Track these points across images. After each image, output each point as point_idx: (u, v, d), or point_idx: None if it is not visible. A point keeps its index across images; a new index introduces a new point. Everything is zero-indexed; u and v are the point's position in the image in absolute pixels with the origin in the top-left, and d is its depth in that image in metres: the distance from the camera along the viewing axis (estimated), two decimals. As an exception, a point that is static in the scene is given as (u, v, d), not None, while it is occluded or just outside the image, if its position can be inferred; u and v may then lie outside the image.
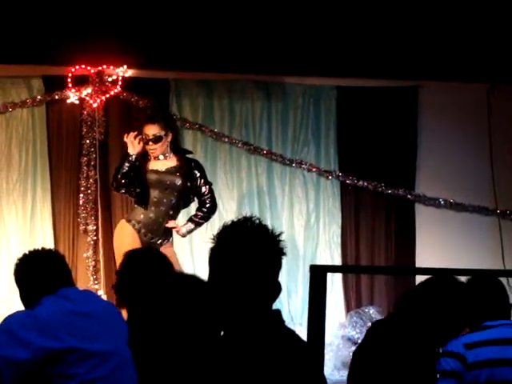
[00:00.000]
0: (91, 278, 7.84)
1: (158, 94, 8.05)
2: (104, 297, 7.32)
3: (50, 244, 7.62)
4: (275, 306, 2.50)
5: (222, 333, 2.47)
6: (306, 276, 7.73)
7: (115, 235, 6.67)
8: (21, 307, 3.65)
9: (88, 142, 7.94)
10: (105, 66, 7.86)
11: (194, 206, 6.82)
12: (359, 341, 4.18)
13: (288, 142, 8.34)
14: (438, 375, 3.86)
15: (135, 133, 6.51)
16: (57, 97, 7.92)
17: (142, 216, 6.48)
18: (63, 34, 7.53)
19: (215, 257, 2.48)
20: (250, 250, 2.43)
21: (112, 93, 7.92)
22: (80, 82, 7.87)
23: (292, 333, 2.51)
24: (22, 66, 7.82)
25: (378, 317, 7.41)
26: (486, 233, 8.39)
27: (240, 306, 2.43)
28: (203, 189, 6.57)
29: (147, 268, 4.10)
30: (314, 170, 8.30)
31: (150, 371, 3.60)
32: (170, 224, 6.53)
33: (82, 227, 7.94)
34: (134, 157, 6.46)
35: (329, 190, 8.35)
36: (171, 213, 6.53)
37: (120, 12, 7.57)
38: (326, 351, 4.57)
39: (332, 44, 7.93)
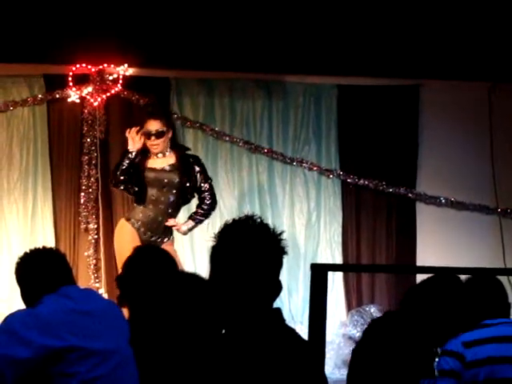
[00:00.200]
0: (92, 277, 7.84)
1: (159, 93, 8.05)
2: (105, 295, 7.33)
3: (51, 243, 7.62)
4: (276, 304, 2.50)
5: (223, 331, 2.47)
6: (306, 275, 7.73)
7: (115, 234, 6.68)
8: (22, 306, 3.66)
9: (89, 140, 7.94)
10: (105, 65, 7.87)
11: (194, 202, 6.81)
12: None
13: (289, 140, 8.34)
14: (436, 373, 3.86)
15: (137, 128, 6.52)
16: (58, 95, 7.93)
17: (141, 215, 6.48)
18: (64, 33, 7.53)
19: (216, 255, 2.48)
20: (252, 249, 2.43)
21: (113, 91, 7.92)
22: (81, 80, 7.88)
23: (292, 331, 2.52)
24: (23, 64, 7.82)
25: (379, 315, 7.41)
26: (486, 231, 8.39)
27: (241, 305, 2.43)
28: (203, 185, 6.56)
29: (152, 265, 4.11)
30: (314, 168, 8.30)
31: (151, 369, 3.60)
32: (170, 222, 6.53)
33: (82, 226, 7.94)
34: (133, 153, 6.48)
35: (330, 189, 8.35)
36: (170, 211, 6.53)
37: (121, 11, 7.57)
38: (326, 350, 4.57)
39: (333, 42, 7.93)
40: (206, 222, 7.68)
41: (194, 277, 4.01)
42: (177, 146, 6.63)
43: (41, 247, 3.74)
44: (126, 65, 7.88)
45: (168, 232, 6.58)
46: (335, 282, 8.18)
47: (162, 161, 6.52)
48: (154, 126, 6.45)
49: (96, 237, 7.92)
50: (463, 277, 4.08)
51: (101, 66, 7.86)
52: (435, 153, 8.39)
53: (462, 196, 8.35)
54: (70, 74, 7.82)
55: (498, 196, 8.38)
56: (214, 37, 7.80)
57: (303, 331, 4.30)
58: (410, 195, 8.37)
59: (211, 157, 8.16)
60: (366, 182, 8.29)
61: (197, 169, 6.55)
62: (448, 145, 8.39)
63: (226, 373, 2.36)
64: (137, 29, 7.65)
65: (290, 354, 2.42)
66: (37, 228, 7.97)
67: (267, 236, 2.46)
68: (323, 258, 8.21)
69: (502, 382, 3.71)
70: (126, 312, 4.39)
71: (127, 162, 6.47)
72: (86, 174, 7.92)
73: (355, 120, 8.37)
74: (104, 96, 7.92)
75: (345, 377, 4.12)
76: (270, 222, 2.54)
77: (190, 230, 6.71)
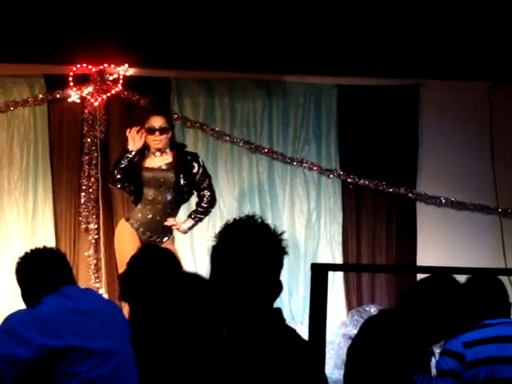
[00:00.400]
0: (92, 277, 7.85)
1: (159, 93, 8.05)
2: (105, 295, 7.33)
3: (51, 243, 7.62)
4: (276, 304, 2.50)
5: (224, 331, 2.48)
6: (307, 275, 7.72)
7: (115, 234, 6.68)
8: (22, 306, 3.66)
9: (89, 140, 7.94)
10: (106, 65, 7.87)
11: (194, 199, 6.79)
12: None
13: (289, 140, 8.34)
14: (433, 372, 3.87)
15: (137, 128, 6.53)
16: (58, 96, 7.93)
17: (139, 215, 6.48)
18: (64, 33, 7.53)
19: (217, 255, 2.48)
20: (252, 249, 2.43)
21: (113, 91, 7.93)
22: (81, 80, 7.88)
23: (293, 331, 2.52)
24: (23, 65, 7.82)
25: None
26: (487, 231, 8.39)
27: (241, 304, 2.43)
28: (202, 183, 6.55)
29: (155, 265, 4.12)
30: (315, 168, 8.30)
31: (152, 368, 3.61)
32: (169, 222, 6.52)
33: (83, 226, 7.94)
34: (133, 153, 6.49)
35: (330, 189, 8.35)
36: (168, 210, 6.52)
37: (121, 11, 7.57)
38: (327, 350, 4.58)
39: (333, 42, 7.93)
40: (207, 221, 7.70)
41: (195, 276, 4.01)
42: (175, 146, 6.62)
43: (41, 247, 3.75)
44: (126, 65, 7.89)
45: (167, 231, 6.58)
46: (335, 282, 8.18)
47: (159, 159, 6.51)
48: (157, 122, 6.46)
49: (96, 237, 7.93)
50: (463, 277, 4.08)
51: (101, 66, 7.86)
52: (435, 153, 8.39)
53: (463, 196, 8.35)
54: (71, 74, 7.82)
55: (498, 196, 8.38)
56: (214, 37, 7.80)
57: (303, 331, 4.31)
58: (410, 195, 8.37)
59: (211, 157, 8.16)
60: (366, 182, 8.29)
61: (195, 166, 6.53)
62: (448, 145, 8.39)
63: (227, 372, 2.36)
64: (137, 29, 7.65)
65: (291, 354, 2.42)
66: (37, 228, 7.97)
67: (268, 236, 2.46)
68: (323, 258, 8.21)
69: (501, 382, 3.71)
70: (126, 310, 4.41)
71: (126, 160, 6.48)
72: (86, 174, 7.93)
73: (355, 120, 8.37)
74: (104, 96, 7.92)
75: (345, 377, 4.12)
76: (270, 221, 2.54)
77: (190, 228, 6.70)
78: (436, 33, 7.89)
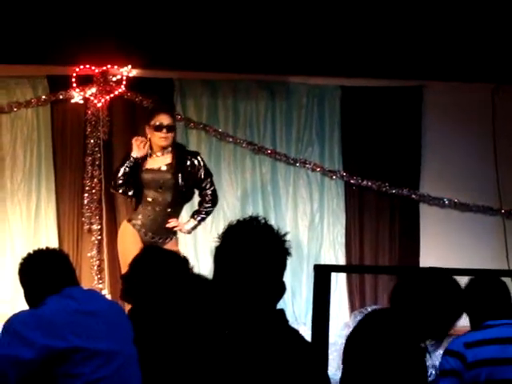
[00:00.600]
0: (95, 278, 7.85)
1: (163, 94, 8.05)
2: (108, 296, 7.33)
3: (54, 244, 7.62)
4: (279, 305, 2.50)
5: (227, 331, 2.47)
6: (310, 276, 7.72)
7: (118, 236, 6.68)
8: (25, 307, 3.66)
9: (92, 141, 7.95)
10: (109, 66, 7.87)
11: (197, 198, 6.77)
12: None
13: (292, 141, 8.33)
14: (428, 369, 3.87)
15: (144, 139, 6.51)
16: (61, 97, 7.93)
17: (140, 216, 6.47)
18: (67, 34, 7.53)
19: (220, 256, 2.48)
20: (256, 250, 2.43)
21: (116, 92, 7.92)
22: (84, 81, 7.88)
23: (296, 333, 2.51)
24: (26, 66, 7.83)
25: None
26: (490, 233, 8.38)
27: (244, 305, 2.43)
28: (203, 181, 6.53)
29: (158, 266, 4.12)
30: (318, 169, 8.29)
31: (155, 369, 3.61)
32: (171, 224, 6.49)
33: (86, 227, 7.94)
34: (135, 159, 6.46)
35: (333, 190, 8.35)
36: (169, 211, 6.49)
37: (124, 12, 7.57)
38: (330, 351, 4.57)
39: (336, 44, 7.93)
40: (210, 222, 7.71)
41: (198, 277, 4.02)
42: (175, 146, 6.60)
43: (44, 248, 3.75)
44: (129, 66, 7.89)
45: (170, 232, 6.56)
46: (338, 283, 8.18)
47: (160, 160, 6.48)
48: (165, 119, 6.44)
49: (99, 238, 7.93)
50: (467, 278, 4.07)
51: (104, 67, 7.87)
52: (438, 154, 8.38)
53: (466, 197, 8.35)
54: (74, 75, 7.82)
55: (501, 197, 8.37)
56: (218, 38, 7.80)
57: (306, 332, 4.30)
58: (413, 196, 8.36)
59: (214, 158, 8.16)
60: (370, 184, 8.29)
61: (196, 165, 6.49)
62: (451, 146, 8.39)
63: (230, 373, 2.36)
64: (140, 30, 7.65)
65: (294, 356, 2.42)
66: (40, 229, 7.97)
67: (271, 237, 2.46)
68: (326, 259, 8.20)
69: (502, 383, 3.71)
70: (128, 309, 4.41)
71: (128, 166, 6.47)
72: (89, 175, 7.93)
73: (358, 121, 8.36)
74: (107, 97, 7.92)
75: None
76: (273, 223, 2.54)
77: (194, 228, 6.68)
78: (439, 34, 7.89)
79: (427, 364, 3.90)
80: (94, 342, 3.40)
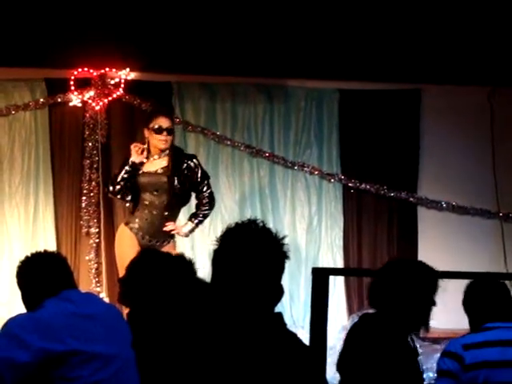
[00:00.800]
0: (93, 281, 7.84)
1: (161, 97, 8.05)
2: (106, 299, 7.32)
3: (52, 247, 7.60)
4: (277, 309, 2.50)
5: (225, 335, 2.47)
6: (308, 279, 7.71)
7: (115, 239, 6.65)
8: (23, 309, 3.66)
9: (90, 144, 7.95)
10: (107, 69, 7.87)
11: (194, 200, 6.76)
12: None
13: (290, 144, 8.34)
14: (424, 372, 3.89)
15: (142, 146, 6.51)
16: (59, 100, 7.93)
17: (137, 219, 6.45)
18: (66, 37, 7.53)
19: (218, 259, 2.48)
20: (254, 253, 2.43)
21: (114, 95, 7.93)
22: (82, 84, 7.88)
23: (294, 336, 2.51)
24: (24, 68, 7.82)
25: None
26: (488, 236, 8.39)
27: (242, 309, 2.43)
28: (200, 184, 6.52)
29: (155, 269, 4.12)
30: (316, 172, 8.30)
31: (153, 372, 3.60)
32: (169, 227, 6.47)
33: (84, 230, 7.94)
34: (133, 165, 6.44)
35: (331, 193, 8.35)
36: (166, 214, 6.47)
37: (122, 15, 7.58)
38: (328, 354, 4.57)
39: (334, 47, 7.94)
40: (208, 225, 7.71)
41: (196, 280, 4.01)
42: (173, 149, 6.58)
43: (42, 251, 3.74)
44: (127, 69, 7.89)
45: (167, 235, 6.54)
46: (336, 287, 8.17)
47: (157, 163, 6.47)
48: (165, 122, 6.43)
49: (97, 241, 7.92)
50: (465, 281, 4.08)
51: (102, 70, 7.87)
52: (436, 157, 8.39)
53: (464, 200, 8.35)
54: (72, 78, 7.83)
55: (499, 200, 8.38)
56: (216, 41, 7.81)
57: (305, 336, 4.31)
58: (411, 199, 8.37)
59: (212, 161, 8.16)
60: (368, 186, 8.30)
61: (192, 167, 6.48)
62: (449, 149, 8.39)
63: (228, 377, 2.36)
64: (139, 33, 7.66)
65: (292, 359, 2.42)
66: (38, 232, 7.96)
67: (269, 240, 2.46)
68: (324, 263, 8.20)
69: None
70: (126, 314, 4.41)
71: (127, 171, 6.46)
72: (87, 178, 7.93)
73: (356, 124, 8.37)
74: (106, 100, 7.93)
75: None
76: (271, 226, 2.54)
77: (191, 231, 6.66)
78: (437, 38, 7.90)
79: (422, 367, 3.92)
80: (91, 345, 3.40)
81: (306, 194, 8.33)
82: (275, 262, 2.46)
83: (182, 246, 7.59)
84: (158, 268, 4.13)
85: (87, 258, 7.90)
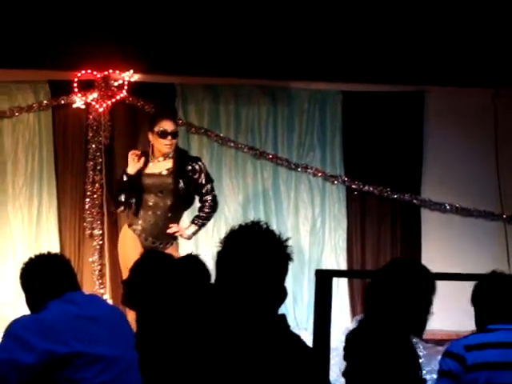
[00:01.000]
0: (97, 283, 7.85)
1: (164, 99, 8.05)
2: (109, 301, 7.32)
3: (55, 248, 7.62)
4: (280, 310, 2.50)
5: (229, 336, 2.47)
6: (311, 281, 7.71)
7: (119, 241, 6.64)
8: (27, 310, 3.66)
9: (94, 146, 7.95)
10: (111, 71, 7.88)
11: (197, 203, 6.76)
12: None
13: (294, 146, 8.34)
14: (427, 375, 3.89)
15: (139, 152, 6.50)
16: (63, 101, 7.95)
17: (141, 221, 6.43)
18: (69, 39, 7.53)
19: (222, 261, 2.48)
20: (258, 255, 2.43)
21: (118, 97, 7.94)
22: (86, 86, 7.89)
23: (297, 338, 2.51)
24: (28, 70, 7.83)
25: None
26: (491, 238, 8.38)
27: (246, 311, 2.43)
28: (204, 187, 6.50)
29: (158, 270, 4.12)
30: (319, 174, 8.30)
31: (156, 374, 3.60)
32: (172, 229, 6.46)
33: (87, 232, 7.95)
34: (130, 176, 6.43)
35: (334, 195, 8.35)
36: (170, 215, 6.46)
37: (126, 17, 7.58)
38: (331, 356, 4.56)
39: (338, 49, 7.94)
40: (211, 227, 7.70)
41: (200, 282, 4.01)
42: (177, 152, 6.58)
43: (46, 253, 3.75)
44: (131, 71, 7.90)
45: (171, 237, 6.53)
46: (340, 288, 8.17)
47: (161, 165, 6.45)
48: (170, 126, 6.40)
49: (101, 242, 7.93)
50: (469, 283, 4.07)
51: (106, 72, 7.87)
52: (440, 159, 8.38)
53: (467, 202, 8.34)
54: (75, 79, 7.84)
55: (502, 202, 8.37)
56: (220, 43, 7.81)
57: (308, 338, 4.31)
58: (414, 201, 8.36)
59: (216, 163, 8.16)
60: (371, 188, 8.29)
61: (197, 170, 6.47)
62: (453, 151, 8.39)
63: (231, 378, 2.36)
64: (142, 35, 7.66)
65: (295, 361, 2.42)
66: (42, 234, 7.97)
67: (273, 242, 2.46)
68: (328, 264, 8.20)
69: None
70: (130, 316, 4.41)
71: (126, 183, 6.43)
72: (90, 179, 7.93)
73: (360, 126, 8.37)
74: (109, 102, 7.93)
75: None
76: (274, 228, 2.54)
77: (194, 234, 6.65)
78: (440, 39, 7.89)
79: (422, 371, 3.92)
80: (95, 347, 3.40)
81: (309, 195, 8.33)
82: (279, 263, 2.46)
83: (185, 247, 7.59)
84: (160, 270, 4.14)
85: (91, 259, 7.91)
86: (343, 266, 8.27)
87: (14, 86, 8.01)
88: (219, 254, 2.49)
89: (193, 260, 4.37)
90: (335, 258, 8.31)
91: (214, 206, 6.58)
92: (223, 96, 8.27)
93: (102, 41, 7.51)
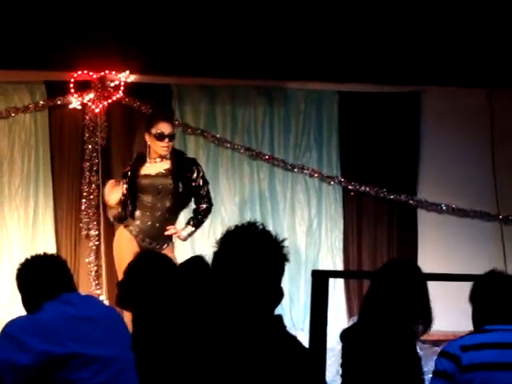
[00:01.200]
0: (93, 283, 7.84)
1: (161, 100, 8.05)
2: (106, 302, 7.32)
3: (52, 249, 7.60)
4: (277, 311, 2.50)
5: (225, 337, 2.47)
6: (308, 281, 7.71)
7: (114, 241, 6.60)
8: (23, 311, 3.66)
9: (90, 147, 7.95)
10: (107, 72, 7.88)
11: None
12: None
13: (290, 147, 8.34)
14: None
15: (117, 182, 6.53)
16: (59, 102, 7.94)
17: (138, 222, 6.42)
18: (65, 40, 7.53)
19: (218, 261, 2.48)
20: (254, 255, 2.43)
21: (114, 98, 7.93)
22: (82, 87, 7.89)
23: (294, 339, 2.51)
24: (24, 71, 7.83)
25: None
26: (487, 238, 8.38)
27: (242, 311, 2.43)
28: (200, 189, 6.50)
29: (153, 271, 4.12)
30: (316, 175, 8.30)
31: (153, 374, 3.60)
32: (170, 231, 6.45)
33: (84, 232, 7.94)
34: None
35: (331, 196, 8.35)
36: (167, 216, 6.45)
37: (122, 17, 7.57)
38: (327, 356, 4.56)
39: (334, 49, 7.94)
40: (208, 228, 7.71)
41: (196, 282, 4.01)
42: (174, 153, 6.58)
43: (42, 253, 3.74)
44: (127, 71, 7.89)
45: (167, 238, 6.52)
46: (336, 289, 8.18)
47: (158, 166, 6.44)
48: (167, 128, 6.40)
49: (97, 243, 7.92)
50: (466, 284, 4.07)
51: (102, 73, 7.87)
52: (436, 159, 8.39)
53: (463, 203, 8.35)
54: (72, 80, 7.83)
55: (499, 203, 8.38)
56: (216, 44, 7.81)
57: (304, 338, 4.31)
58: (411, 202, 8.37)
59: (212, 163, 8.16)
60: (368, 189, 8.30)
61: (194, 172, 6.47)
62: (449, 151, 8.39)
63: (228, 379, 2.36)
64: (138, 35, 7.65)
65: (291, 362, 2.42)
66: (38, 234, 7.97)
67: (269, 243, 2.46)
68: (324, 265, 8.20)
69: None
70: (125, 316, 4.41)
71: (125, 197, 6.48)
72: (87, 180, 7.93)
73: (356, 126, 8.37)
74: (105, 102, 7.93)
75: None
76: (271, 228, 2.54)
77: (190, 235, 6.65)
78: (436, 40, 7.90)
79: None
80: (91, 348, 3.39)
81: (305, 196, 8.33)
82: (275, 264, 2.46)
83: (182, 248, 7.59)
84: (156, 270, 4.13)
85: (87, 260, 7.90)
86: (339, 267, 8.28)
87: (10, 87, 8.00)
88: (215, 254, 2.48)
89: (197, 261, 4.37)
90: (332, 258, 8.31)
91: (210, 208, 6.59)
92: (219, 97, 8.27)
93: (98, 41, 7.50)
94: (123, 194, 6.45)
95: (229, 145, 8.20)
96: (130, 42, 7.63)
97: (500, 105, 8.37)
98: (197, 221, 6.56)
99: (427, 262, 8.09)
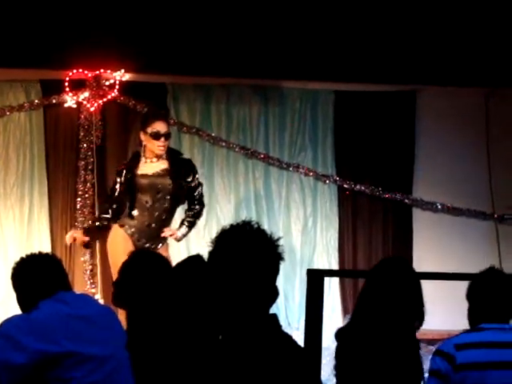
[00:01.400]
0: (88, 282, 7.83)
1: (156, 99, 8.04)
2: (101, 301, 7.31)
3: (47, 248, 7.60)
4: (272, 310, 2.50)
5: (220, 337, 2.47)
6: (303, 280, 7.70)
7: (108, 240, 6.56)
8: (18, 310, 3.65)
9: (85, 145, 7.94)
10: (102, 70, 7.86)
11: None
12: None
13: (285, 146, 8.34)
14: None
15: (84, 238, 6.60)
16: (54, 101, 7.93)
17: (135, 221, 6.40)
18: (61, 38, 7.51)
19: (213, 260, 2.47)
20: (249, 254, 2.43)
21: (109, 97, 7.92)
22: (77, 85, 7.87)
23: (289, 338, 2.51)
24: (19, 69, 7.82)
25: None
26: (483, 237, 8.39)
27: (237, 310, 2.43)
28: (195, 190, 6.51)
29: (147, 270, 4.12)
30: (311, 174, 8.30)
31: (148, 373, 3.60)
32: (167, 233, 6.44)
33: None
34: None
35: (326, 195, 8.35)
36: (164, 217, 6.45)
37: (118, 16, 7.56)
38: (323, 355, 4.57)
39: (330, 48, 7.93)
40: (202, 227, 7.71)
41: (191, 281, 4.01)
42: (170, 151, 6.57)
43: (37, 252, 3.74)
44: (122, 70, 7.88)
45: (162, 238, 6.52)
46: (331, 288, 8.18)
47: (155, 165, 6.43)
48: (163, 127, 6.39)
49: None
50: (461, 283, 4.08)
51: (97, 72, 7.86)
52: (432, 158, 8.40)
53: (459, 202, 8.36)
54: (67, 79, 7.82)
55: (494, 202, 8.39)
56: (211, 42, 7.80)
57: (299, 337, 4.31)
58: (406, 201, 8.37)
59: (207, 162, 8.15)
60: (363, 188, 8.30)
61: (190, 172, 6.48)
62: (444, 150, 8.40)
63: (223, 379, 2.36)
64: (134, 34, 7.64)
65: (286, 361, 2.42)
66: (33, 233, 7.95)
67: (264, 242, 2.46)
68: (319, 264, 8.20)
69: None
70: (120, 315, 4.41)
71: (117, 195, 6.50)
72: (82, 179, 7.92)
73: (352, 126, 8.38)
74: (100, 101, 7.92)
75: None
76: (266, 227, 2.54)
77: (185, 235, 6.65)
78: (433, 39, 7.90)
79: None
80: (86, 347, 3.39)
81: (301, 195, 8.33)
82: (270, 263, 2.46)
83: (177, 247, 7.59)
84: (150, 269, 4.13)
85: (82, 259, 7.89)
86: (335, 266, 8.28)
87: (5, 85, 7.99)
88: (210, 253, 2.48)
89: (194, 261, 4.37)
90: (327, 257, 8.31)
91: (202, 208, 6.62)
92: (215, 95, 8.26)
93: (93, 40, 7.49)
94: (117, 192, 6.44)
95: (224, 143, 8.20)
96: (125, 41, 7.61)
97: (495, 104, 8.38)
98: (191, 222, 6.57)
99: (422, 260, 8.12)
